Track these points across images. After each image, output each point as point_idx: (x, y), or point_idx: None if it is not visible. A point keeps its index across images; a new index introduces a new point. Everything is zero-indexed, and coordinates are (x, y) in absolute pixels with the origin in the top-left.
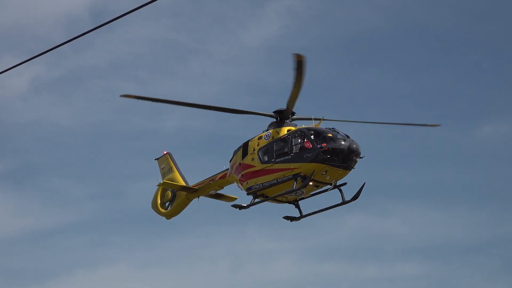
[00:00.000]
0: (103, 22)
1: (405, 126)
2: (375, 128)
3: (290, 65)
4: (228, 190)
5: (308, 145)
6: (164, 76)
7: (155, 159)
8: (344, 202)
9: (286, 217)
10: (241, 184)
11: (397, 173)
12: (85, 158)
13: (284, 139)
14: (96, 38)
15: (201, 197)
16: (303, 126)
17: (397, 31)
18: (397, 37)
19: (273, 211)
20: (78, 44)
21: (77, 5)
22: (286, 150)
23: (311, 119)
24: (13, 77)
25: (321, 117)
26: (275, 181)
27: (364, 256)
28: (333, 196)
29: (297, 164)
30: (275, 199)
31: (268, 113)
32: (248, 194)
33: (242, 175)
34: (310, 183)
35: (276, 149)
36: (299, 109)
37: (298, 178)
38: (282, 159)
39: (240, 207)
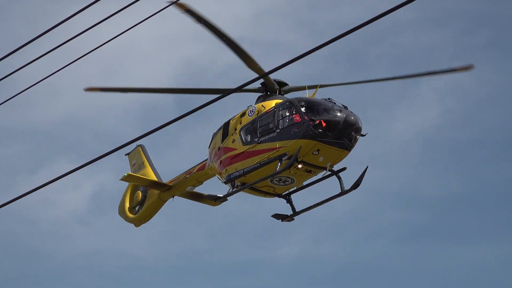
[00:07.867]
0: (192, 109)
1: None
2: None
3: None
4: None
5: (297, 118)
6: None
7: (126, 155)
8: (343, 192)
9: (276, 215)
10: (220, 174)
11: None
12: None
13: (269, 113)
14: (183, 129)
15: (176, 198)
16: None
17: None
18: None
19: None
20: (158, 139)
21: (157, 83)
22: (271, 126)
23: (304, 88)
24: (68, 190)
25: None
26: (258, 164)
27: None
28: (333, 185)
29: (283, 142)
30: (259, 190)
31: (253, 88)
32: (225, 183)
33: (221, 161)
34: (299, 166)
35: (260, 126)
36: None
37: (284, 159)
38: (266, 137)
39: (216, 198)
